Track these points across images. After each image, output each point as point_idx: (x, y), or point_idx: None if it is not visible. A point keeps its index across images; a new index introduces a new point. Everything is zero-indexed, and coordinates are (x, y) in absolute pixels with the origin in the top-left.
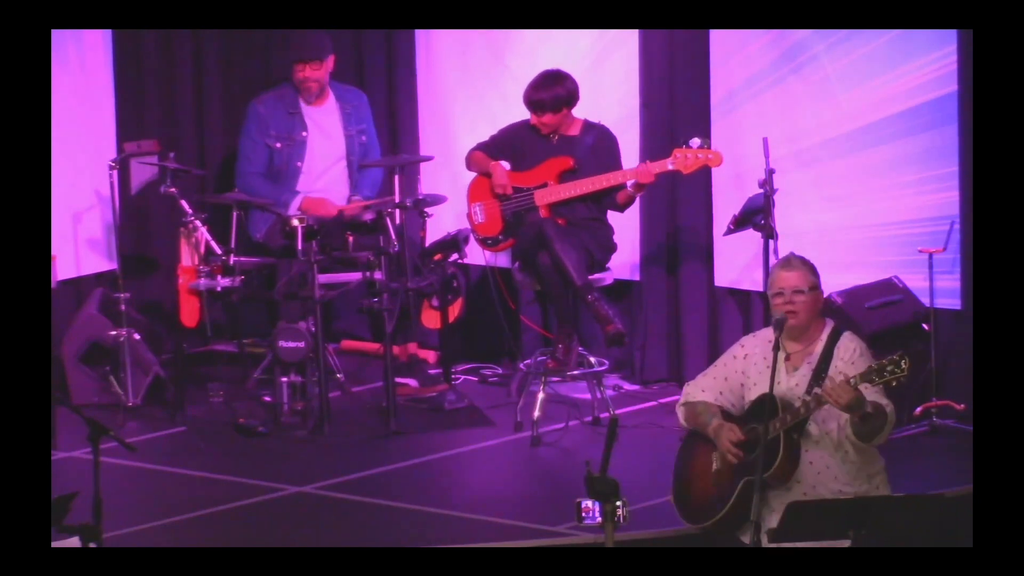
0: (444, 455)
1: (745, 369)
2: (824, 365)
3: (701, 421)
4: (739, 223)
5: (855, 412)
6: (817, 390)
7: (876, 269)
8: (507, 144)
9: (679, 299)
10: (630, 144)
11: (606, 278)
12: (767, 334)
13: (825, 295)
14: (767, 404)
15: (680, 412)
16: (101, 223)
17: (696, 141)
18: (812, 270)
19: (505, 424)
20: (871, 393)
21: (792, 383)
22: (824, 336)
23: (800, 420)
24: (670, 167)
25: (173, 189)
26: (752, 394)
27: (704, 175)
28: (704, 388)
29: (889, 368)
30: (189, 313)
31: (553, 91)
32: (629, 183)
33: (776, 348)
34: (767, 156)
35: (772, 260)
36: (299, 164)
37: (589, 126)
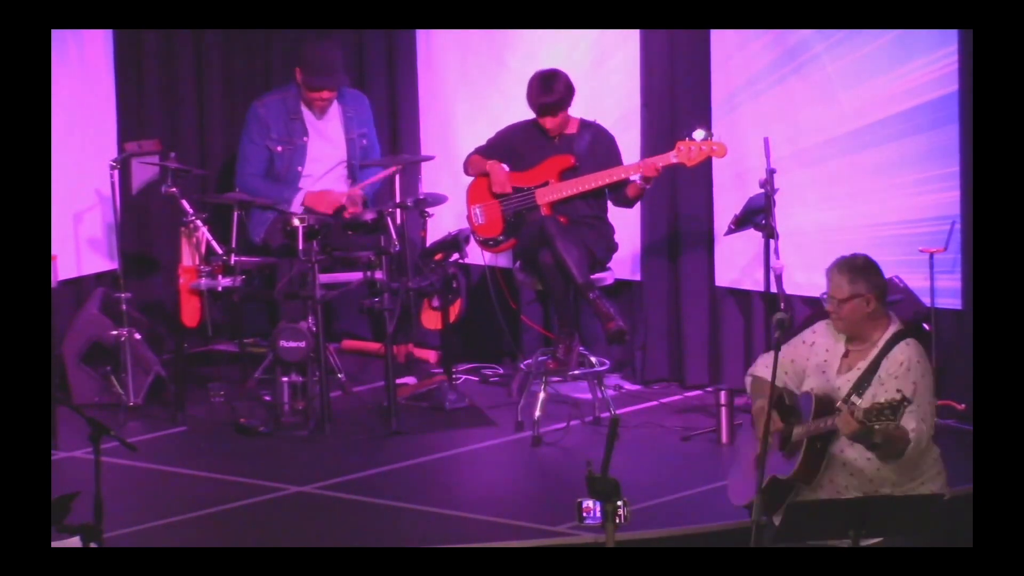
0: (444, 455)
1: (809, 356)
2: (872, 371)
3: (753, 397)
4: (740, 223)
5: (862, 443)
6: (830, 420)
7: None
8: (505, 146)
9: (680, 299)
10: (631, 144)
11: (607, 278)
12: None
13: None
14: (824, 403)
15: (747, 381)
16: (102, 223)
17: (699, 133)
18: (855, 277)
19: (506, 424)
20: (904, 415)
21: (840, 383)
22: (882, 342)
23: (826, 432)
24: (674, 160)
25: (174, 189)
26: (806, 384)
27: (705, 175)
28: (768, 366)
29: (887, 411)
30: (190, 313)
31: (556, 92)
32: (636, 177)
33: (777, 348)
34: (768, 156)
35: (773, 260)
36: (300, 168)
37: (585, 125)
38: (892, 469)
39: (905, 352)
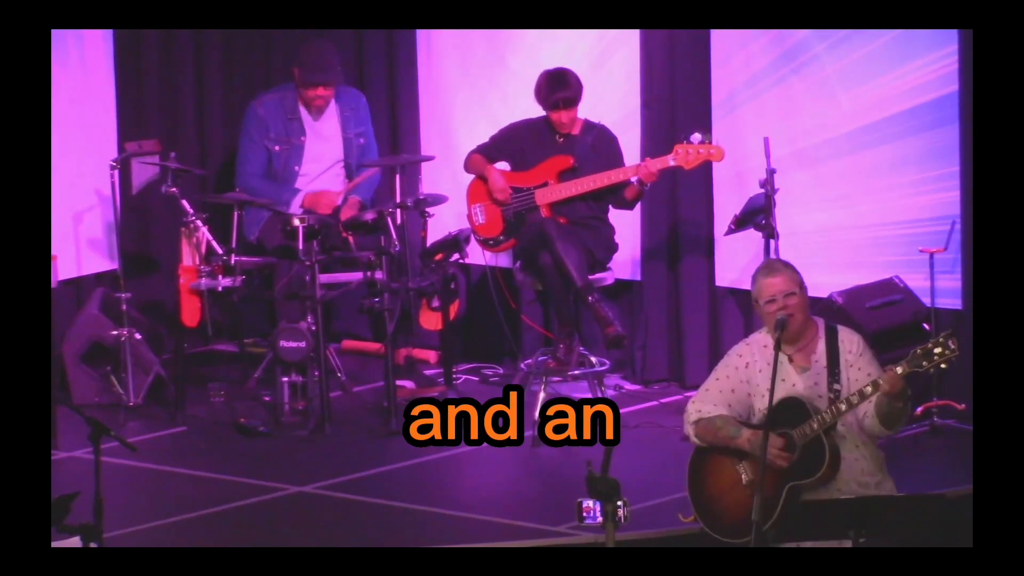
0: (444, 455)
1: (749, 378)
2: (834, 361)
3: (724, 435)
4: (740, 223)
5: (902, 399)
6: (866, 387)
7: (876, 269)
8: (507, 145)
9: (680, 299)
10: (631, 144)
11: (607, 278)
12: (761, 339)
13: (825, 295)
14: (788, 407)
15: (692, 431)
16: (102, 223)
17: (697, 136)
18: (795, 270)
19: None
20: None
21: (810, 382)
22: (821, 333)
23: (837, 418)
24: (671, 163)
25: (174, 189)
26: (764, 402)
27: (705, 175)
28: (715, 403)
29: (937, 351)
30: (190, 313)
31: (571, 87)
32: (634, 179)
33: (777, 348)
34: (768, 156)
35: None
36: (297, 168)
37: (589, 126)
38: (870, 459)
39: (853, 333)
